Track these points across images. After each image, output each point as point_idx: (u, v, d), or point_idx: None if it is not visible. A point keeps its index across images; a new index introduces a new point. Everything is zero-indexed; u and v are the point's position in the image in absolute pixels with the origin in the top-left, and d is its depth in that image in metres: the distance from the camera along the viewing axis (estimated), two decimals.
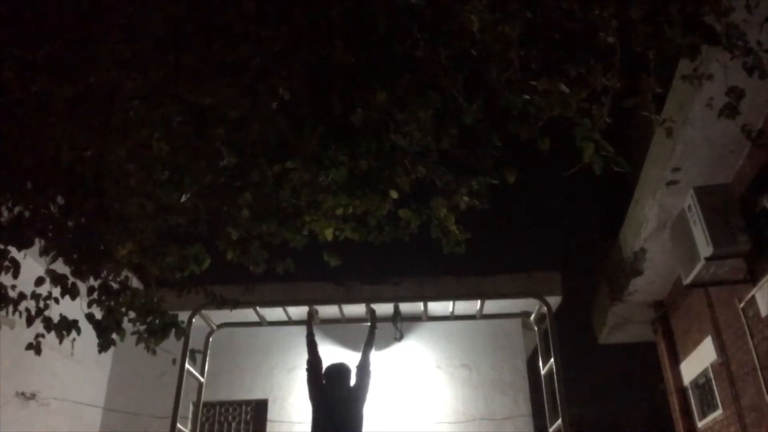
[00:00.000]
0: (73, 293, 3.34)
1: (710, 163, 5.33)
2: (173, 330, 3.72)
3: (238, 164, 3.32)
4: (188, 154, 3.17)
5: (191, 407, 6.97)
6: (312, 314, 6.32)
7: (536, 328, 6.64)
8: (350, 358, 7.51)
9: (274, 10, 2.82)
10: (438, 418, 7.31)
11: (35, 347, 3.44)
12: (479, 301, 6.59)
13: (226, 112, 3.00)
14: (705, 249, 5.18)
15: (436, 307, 6.88)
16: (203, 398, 6.28)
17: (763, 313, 5.30)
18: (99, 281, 3.48)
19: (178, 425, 5.56)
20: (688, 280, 5.69)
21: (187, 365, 5.64)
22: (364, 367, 5.30)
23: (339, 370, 5.19)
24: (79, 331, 3.46)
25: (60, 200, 3.26)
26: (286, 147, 3.28)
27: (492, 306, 6.78)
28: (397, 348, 7.59)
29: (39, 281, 3.37)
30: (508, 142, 3.13)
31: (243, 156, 3.30)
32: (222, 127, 3.12)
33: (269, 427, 7.35)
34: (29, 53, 2.74)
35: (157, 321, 3.67)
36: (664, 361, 8.04)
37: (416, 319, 7.09)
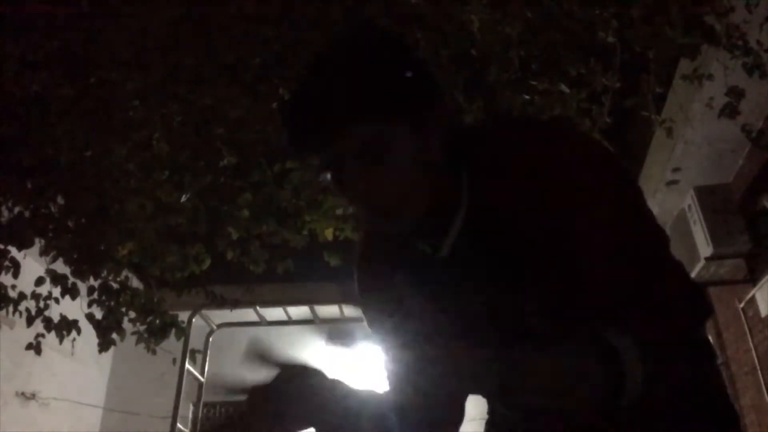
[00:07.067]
0: (73, 293, 3.34)
1: (710, 163, 5.32)
2: (173, 330, 3.71)
3: (238, 164, 3.32)
4: (188, 154, 3.17)
5: (191, 407, 6.96)
6: None
7: None
8: (351, 359, 7.56)
9: (274, 10, 2.82)
10: None
11: (35, 347, 3.44)
12: None
13: (226, 112, 3.00)
14: (705, 249, 5.18)
15: None
16: (203, 398, 6.27)
17: (763, 313, 5.30)
18: (99, 281, 3.48)
19: (178, 425, 5.55)
20: None
21: (187, 365, 5.63)
22: None
23: None
24: (79, 331, 3.45)
25: (60, 200, 3.25)
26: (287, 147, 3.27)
27: None
28: None
29: (39, 281, 3.37)
30: None
31: (243, 156, 3.29)
32: (222, 127, 3.12)
33: None
34: (29, 53, 2.74)
35: (157, 321, 3.66)
36: None
37: None
